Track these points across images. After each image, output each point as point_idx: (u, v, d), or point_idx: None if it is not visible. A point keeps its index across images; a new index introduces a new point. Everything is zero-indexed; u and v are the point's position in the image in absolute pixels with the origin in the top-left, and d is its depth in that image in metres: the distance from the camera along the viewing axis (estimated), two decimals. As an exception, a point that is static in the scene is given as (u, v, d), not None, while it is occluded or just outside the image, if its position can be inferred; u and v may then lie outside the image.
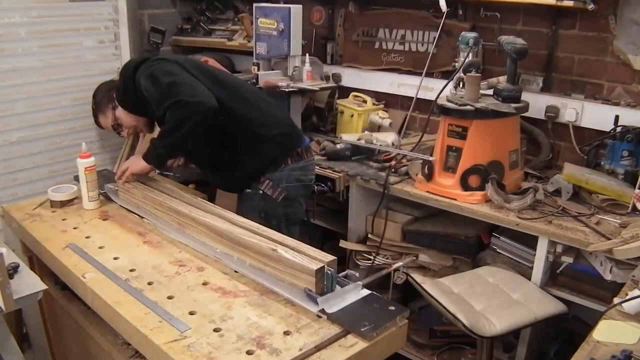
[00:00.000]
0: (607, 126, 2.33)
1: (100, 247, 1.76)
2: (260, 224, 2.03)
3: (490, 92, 2.35)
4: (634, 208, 2.06)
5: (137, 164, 2.05)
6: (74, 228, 1.90)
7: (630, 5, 2.28)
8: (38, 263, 1.95)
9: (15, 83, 2.93)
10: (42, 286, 1.60)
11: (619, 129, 2.27)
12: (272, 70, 3.05)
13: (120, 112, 2.24)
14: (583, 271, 2.07)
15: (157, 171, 2.23)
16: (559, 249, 2.07)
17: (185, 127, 1.92)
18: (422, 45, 2.94)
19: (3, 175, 2.97)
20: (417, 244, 2.48)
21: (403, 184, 2.44)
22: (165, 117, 1.98)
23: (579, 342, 1.37)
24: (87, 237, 1.83)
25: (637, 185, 2.06)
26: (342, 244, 2.66)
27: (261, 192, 2.16)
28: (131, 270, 1.62)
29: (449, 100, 2.29)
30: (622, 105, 2.34)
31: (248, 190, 2.19)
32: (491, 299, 2.00)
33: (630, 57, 2.32)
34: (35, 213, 2.01)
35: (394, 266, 1.59)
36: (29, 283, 1.60)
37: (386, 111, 3.02)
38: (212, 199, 2.75)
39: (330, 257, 1.48)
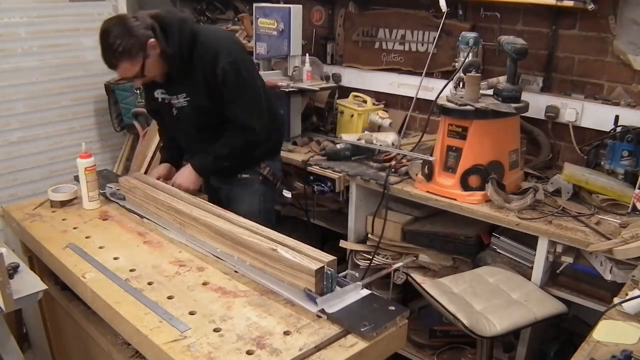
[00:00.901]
0: (607, 126, 2.33)
1: (100, 247, 1.76)
2: (258, 208, 2.30)
3: (490, 92, 2.35)
4: (634, 208, 2.06)
5: (189, 178, 2.19)
6: (74, 228, 1.90)
7: (630, 5, 2.28)
8: (38, 263, 1.95)
9: (15, 83, 2.94)
10: (42, 286, 1.60)
11: (619, 129, 2.27)
12: (272, 70, 3.05)
13: (153, 62, 2.03)
14: (583, 271, 2.07)
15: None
16: (559, 249, 2.07)
17: (242, 154, 2.18)
18: (422, 45, 2.94)
19: (3, 175, 2.98)
20: (417, 244, 2.48)
21: (403, 184, 2.44)
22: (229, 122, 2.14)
23: (579, 342, 1.37)
24: (87, 237, 1.83)
25: (637, 185, 2.06)
26: (342, 244, 2.67)
27: (261, 177, 2.30)
28: (131, 270, 1.62)
29: (449, 100, 2.29)
30: (622, 105, 2.34)
31: (245, 176, 2.30)
32: (491, 299, 2.00)
33: (630, 57, 2.32)
34: (35, 213, 2.01)
35: (394, 266, 1.58)
36: (29, 283, 1.60)
37: (386, 111, 3.02)
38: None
39: (330, 257, 1.48)
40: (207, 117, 2.18)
